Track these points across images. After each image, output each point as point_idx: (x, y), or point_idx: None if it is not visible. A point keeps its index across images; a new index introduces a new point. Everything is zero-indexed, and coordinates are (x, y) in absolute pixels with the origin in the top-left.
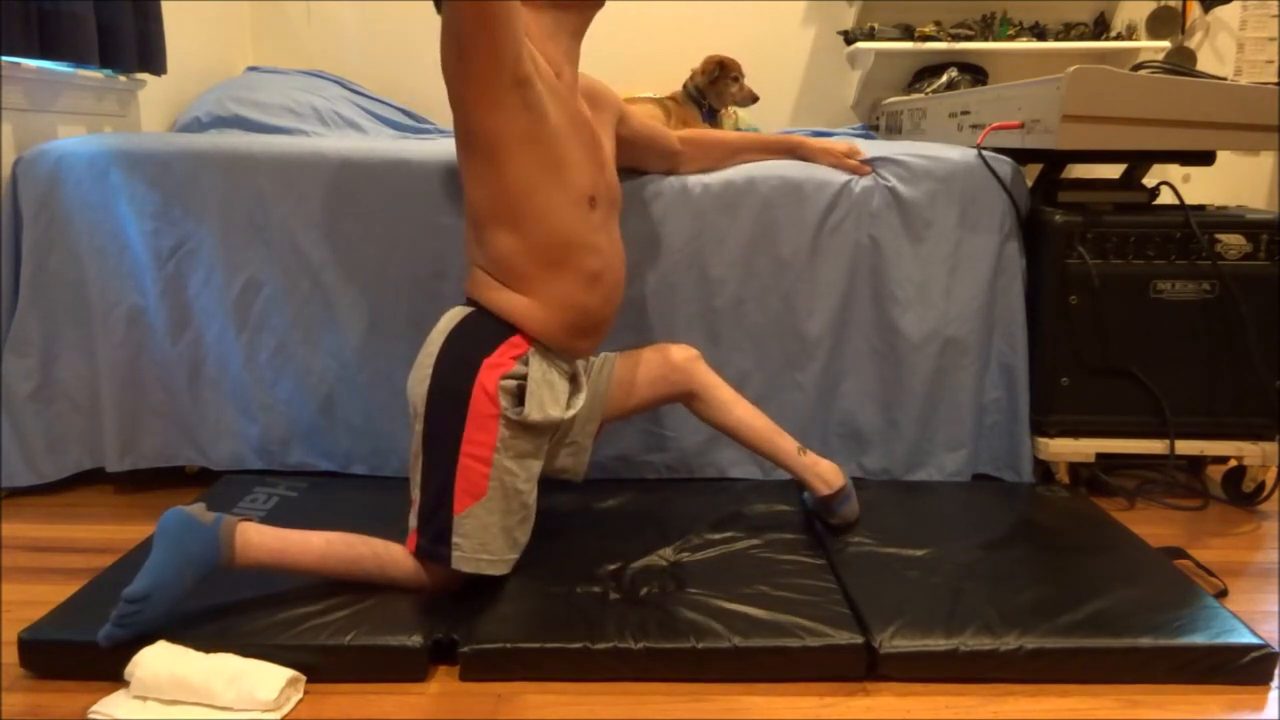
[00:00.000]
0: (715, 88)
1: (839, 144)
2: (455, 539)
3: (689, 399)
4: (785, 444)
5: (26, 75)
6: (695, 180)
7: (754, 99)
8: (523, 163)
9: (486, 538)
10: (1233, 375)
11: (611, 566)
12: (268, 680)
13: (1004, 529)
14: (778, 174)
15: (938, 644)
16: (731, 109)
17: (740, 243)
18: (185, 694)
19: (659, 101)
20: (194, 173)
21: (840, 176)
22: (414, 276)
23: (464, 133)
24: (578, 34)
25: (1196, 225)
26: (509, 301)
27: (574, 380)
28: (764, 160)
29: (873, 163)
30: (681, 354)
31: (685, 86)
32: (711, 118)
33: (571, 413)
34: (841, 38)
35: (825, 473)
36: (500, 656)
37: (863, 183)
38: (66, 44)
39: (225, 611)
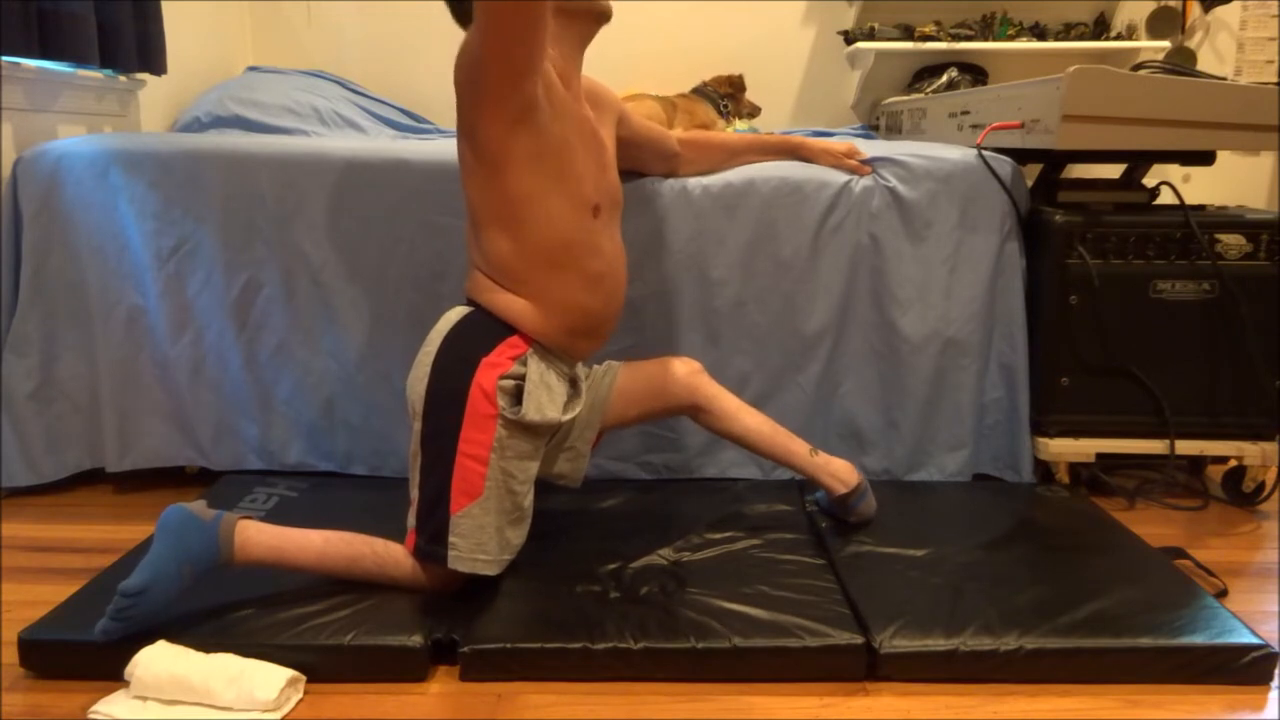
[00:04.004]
0: (735, 100)
1: (839, 144)
2: (452, 539)
3: (694, 412)
4: (796, 447)
5: (26, 75)
6: (695, 181)
7: (758, 111)
8: (528, 175)
9: (483, 538)
10: (1233, 375)
11: (611, 566)
12: (268, 680)
13: (1004, 529)
14: (778, 175)
15: (938, 644)
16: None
17: (740, 243)
18: (185, 694)
19: (661, 100)
20: (194, 173)
21: (840, 177)
22: (414, 276)
23: (470, 140)
24: (584, 43)
25: (1196, 225)
26: (508, 303)
27: (573, 384)
28: (764, 161)
29: (873, 163)
30: (683, 368)
31: (701, 88)
32: (725, 117)
33: (570, 416)
34: (841, 38)
35: (839, 471)
36: (500, 656)
37: (863, 183)
38: (66, 44)
39: (225, 611)
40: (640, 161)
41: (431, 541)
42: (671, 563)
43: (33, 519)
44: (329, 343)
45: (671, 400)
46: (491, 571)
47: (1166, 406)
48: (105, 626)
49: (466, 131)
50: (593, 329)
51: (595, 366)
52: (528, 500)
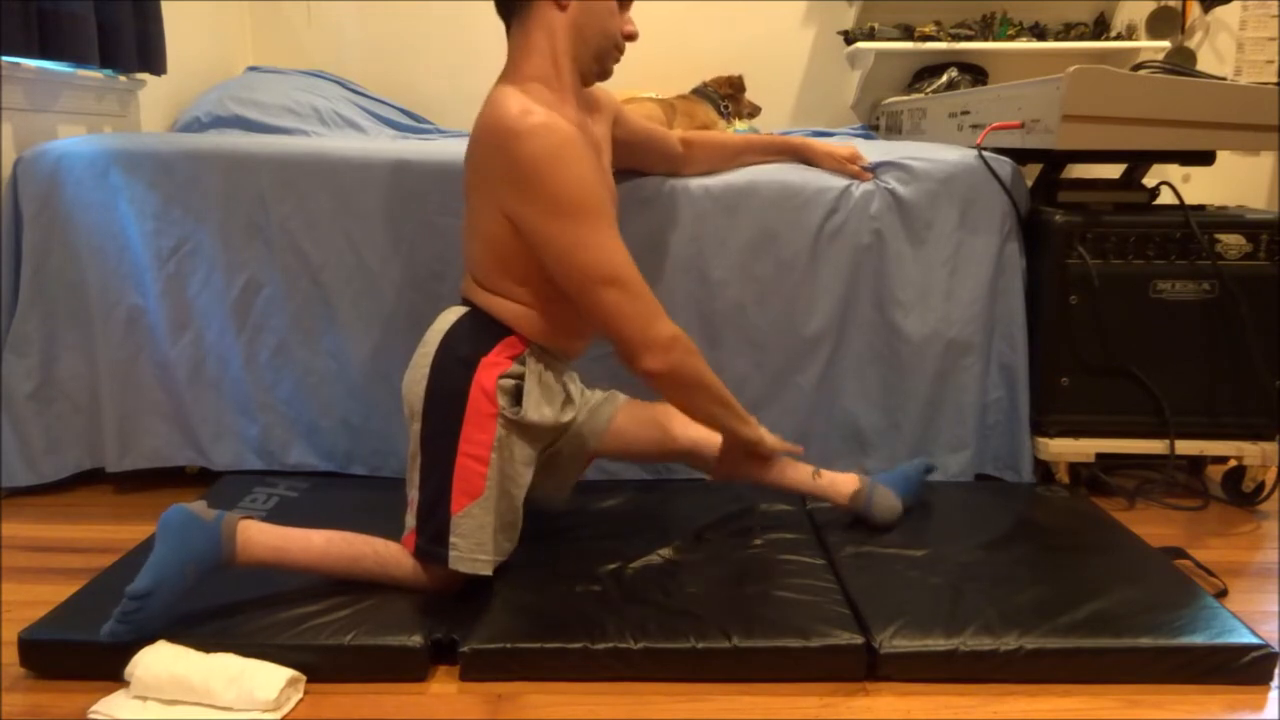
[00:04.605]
0: (735, 101)
1: (842, 148)
2: (453, 539)
3: (694, 464)
4: (800, 475)
5: (26, 75)
6: (696, 182)
7: (758, 111)
8: None
9: (483, 538)
10: (1233, 375)
11: (611, 566)
12: (268, 680)
13: (1004, 529)
14: (779, 177)
15: (938, 644)
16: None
17: (741, 245)
18: (185, 694)
19: (661, 101)
20: (194, 173)
21: (841, 180)
22: (414, 276)
23: (500, 220)
24: (600, 64)
25: (1196, 225)
26: (504, 305)
27: (566, 389)
28: (766, 162)
29: (874, 169)
30: (684, 427)
31: (701, 89)
32: (725, 118)
33: (567, 419)
34: (841, 38)
35: (845, 486)
36: (500, 656)
37: (863, 186)
38: (66, 44)
39: (225, 611)
40: (643, 162)
41: (432, 542)
42: (671, 563)
43: (33, 519)
44: (329, 343)
45: (669, 453)
46: (488, 572)
47: (1166, 406)
48: (112, 629)
49: (502, 216)
50: (587, 330)
51: (596, 391)
52: (520, 503)
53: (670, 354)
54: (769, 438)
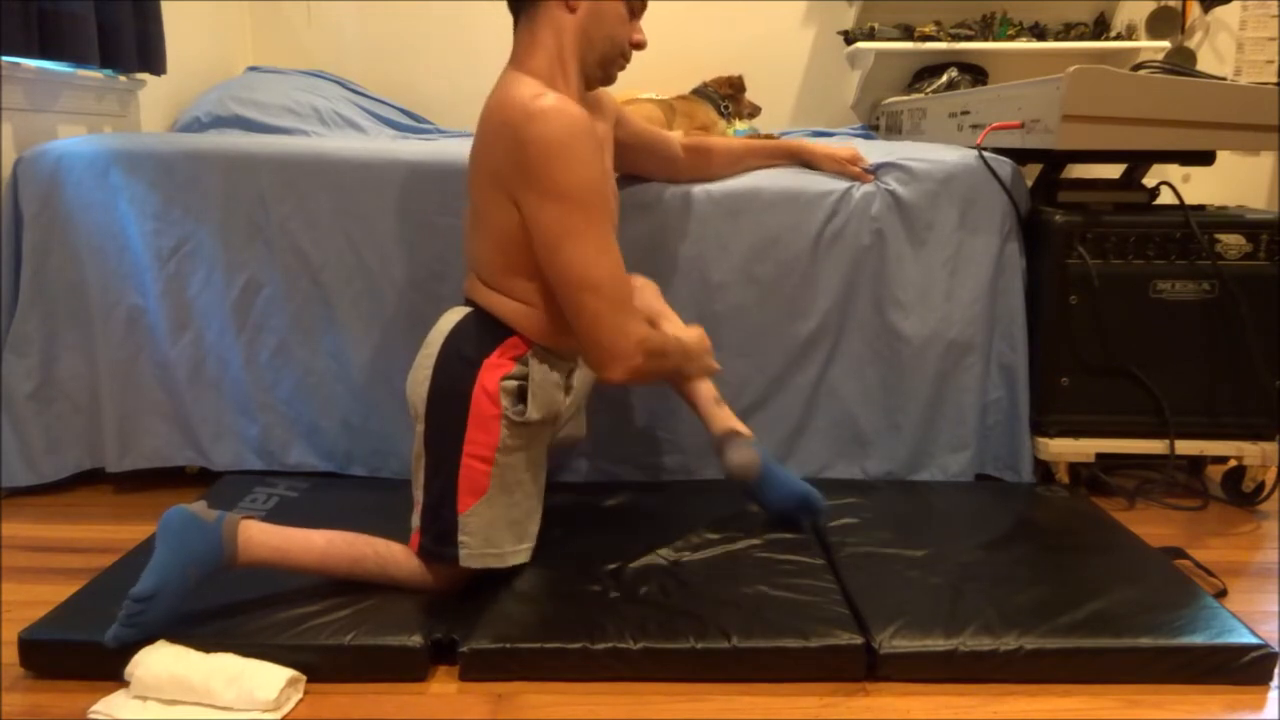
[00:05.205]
0: (735, 101)
1: (842, 150)
2: (462, 538)
3: None
4: (705, 394)
5: (26, 75)
6: (699, 187)
7: (758, 111)
8: None
9: (491, 533)
10: (1233, 375)
11: (611, 566)
12: (268, 680)
13: (1004, 529)
14: (780, 182)
15: (937, 644)
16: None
17: (742, 248)
18: (185, 694)
19: (660, 102)
20: (194, 173)
21: (841, 183)
22: (414, 277)
23: (508, 210)
24: (605, 69)
25: (1196, 225)
26: (506, 306)
27: (570, 375)
28: (767, 166)
29: (874, 170)
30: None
31: (701, 89)
32: (725, 118)
33: (570, 401)
34: (841, 38)
35: (726, 424)
36: (500, 656)
37: (864, 188)
38: (66, 44)
39: (225, 611)
40: (643, 166)
41: (438, 542)
42: (671, 563)
43: (33, 519)
44: (329, 343)
45: None
46: (504, 564)
47: (1166, 406)
48: (116, 633)
49: (509, 211)
50: None
51: None
52: (538, 484)
53: (632, 363)
54: (697, 374)
